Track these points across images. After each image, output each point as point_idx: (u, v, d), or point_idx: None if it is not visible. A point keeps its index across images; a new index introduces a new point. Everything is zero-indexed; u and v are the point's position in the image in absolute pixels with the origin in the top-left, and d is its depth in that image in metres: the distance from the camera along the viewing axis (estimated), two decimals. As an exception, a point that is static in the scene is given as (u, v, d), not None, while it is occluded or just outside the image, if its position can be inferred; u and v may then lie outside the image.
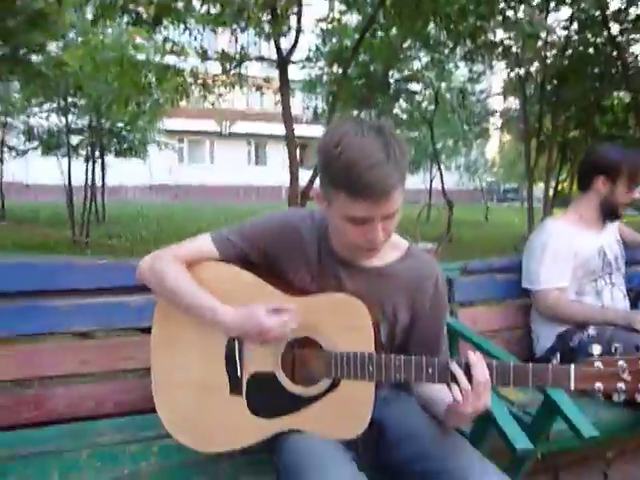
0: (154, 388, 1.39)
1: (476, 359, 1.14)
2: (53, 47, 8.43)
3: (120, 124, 12.56)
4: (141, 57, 7.57)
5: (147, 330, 1.44)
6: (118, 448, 1.49)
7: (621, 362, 1.12)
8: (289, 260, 1.33)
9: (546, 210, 9.84)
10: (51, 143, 12.54)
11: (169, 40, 6.95)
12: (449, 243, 9.45)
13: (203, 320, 1.27)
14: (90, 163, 12.03)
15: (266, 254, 1.34)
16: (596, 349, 1.15)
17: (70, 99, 10.52)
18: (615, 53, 8.33)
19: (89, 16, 7.54)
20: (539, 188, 13.75)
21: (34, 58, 7.55)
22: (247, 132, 26.00)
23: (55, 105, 11.11)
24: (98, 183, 13.25)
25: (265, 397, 1.30)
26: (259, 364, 1.29)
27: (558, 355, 2.13)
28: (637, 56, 9.87)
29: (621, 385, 1.12)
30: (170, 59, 7.51)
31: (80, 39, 8.31)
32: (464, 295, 2.25)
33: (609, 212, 2.17)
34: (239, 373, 1.30)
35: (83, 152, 12.36)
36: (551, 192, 10.41)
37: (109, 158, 14.18)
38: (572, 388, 1.14)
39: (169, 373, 1.38)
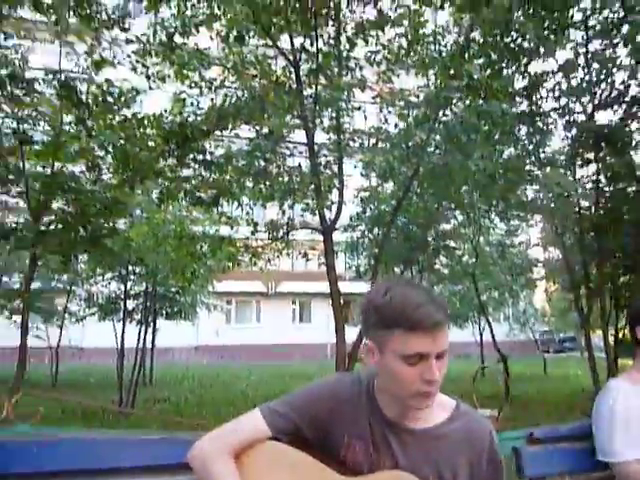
0: None
1: None
2: (120, 224, 9.41)
3: (173, 289, 13.26)
4: (198, 229, 8.32)
5: None
6: None
7: None
8: (341, 431, 1.30)
9: (609, 360, 9.23)
10: (109, 309, 13.24)
11: (224, 214, 7.66)
12: (507, 403, 8.83)
13: None
14: (143, 326, 12.47)
15: (317, 425, 1.31)
16: None
17: (130, 267, 11.34)
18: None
19: (154, 195, 8.53)
20: (598, 336, 13.07)
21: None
22: (292, 291, 26.72)
23: (116, 274, 11.97)
24: (148, 345, 13.55)
25: None
26: None
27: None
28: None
29: None
30: (224, 230, 8.21)
31: (145, 215, 9.30)
32: (533, 467, 2.04)
33: None
34: None
35: (137, 316, 12.90)
36: (611, 340, 9.85)
37: (160, 321, 14.71)
38: None
39: None
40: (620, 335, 10.77)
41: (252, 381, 14.36)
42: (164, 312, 14.13)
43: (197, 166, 6.20)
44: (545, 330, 27.94)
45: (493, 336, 12.19)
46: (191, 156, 5.88)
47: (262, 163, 6.11)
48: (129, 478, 1.58)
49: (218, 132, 5.85)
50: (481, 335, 17.45)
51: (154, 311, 13.20)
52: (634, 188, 8.76)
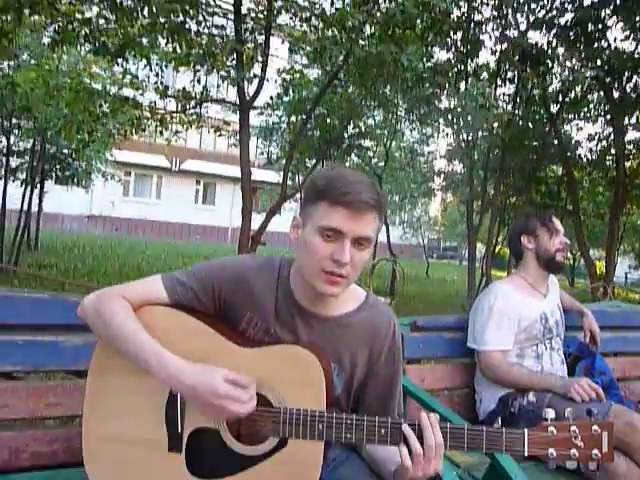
0: (84, 440, 1.26)
1: (429, 422, 1.12)
2: (4, 66, 8.12)
3: (66, 150, 12.11)
4: (97, 86, 7.42)
5: (80, 374, 1.31)
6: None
7: (574, 427, 1.11)
8: (243, 307, 1.28)
9: (485, 270, 10.24)
10: (-14, 164, 11.88)
11: (129, 72, 6.85)
12: (394, 297, 9.57)
13: (147, 370, 1.17)
14: (28, 188, 11.43)
15: (219, 299, 1.28)
16: (550, 413, 1.14)
17: (14, 120, 10.06)
18: (552, 130, 9.08)
19: (45, 40, 7.34)
20: (477, 248, 14.32)
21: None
22: (197, 170, 25.77)
23: (-3, 124, 10.57)
24: (34, 209, 12.57)
25: (206, 456, 1.20)
26: (202, 420, 1.20)
27: (499, 419, 2.15)
28: (569, 134, 10.82)
29: (574, 451, 1.11)
30: (128, 92, 7.40)
31: (33, 62, 8.07)
32: (413, 352, 2.25)
33: (548, 263, 2.28)
34: (180, 429, 1.21)
35: (22, 176, 11.77)
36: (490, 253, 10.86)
37: (48, 184, 13.56)
38: (526, 454, 1.12)
39: (102, 424, 1.26)
40: (496, 249, 11.90)
41: (147, 256, 14.07)
42: (54, 175, 12.99)
43: (102, 6, 5.30)
44: (433, 238, 30.21)
45: (388, 237, 12.84)
46: (95, -8, 5.00)
47: (180, 17, 5.38)
48: (8, 335, 1.51)
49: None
50: (377, 235, 18.37)
51: (42, 172, 12.06)
52: (541, 116, 9.23)
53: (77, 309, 1.28)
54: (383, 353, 1.31)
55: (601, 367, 2.38)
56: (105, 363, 1.26)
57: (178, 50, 5.97)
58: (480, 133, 8.79)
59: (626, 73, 8.03)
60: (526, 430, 1.12)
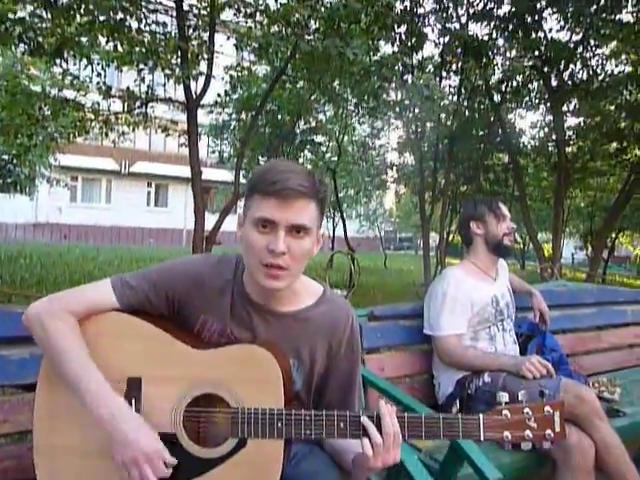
0: (35, 454, 1.21)
1: (386, 411, 1.13)
2: None
3: (5, 156, 11.55)
4: (36, 88, 7.10)
5: (28, 388, 1.26)
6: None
7: (527, 410, 1.14)
8: (197, 309, 1.26)
9: (440, 258, 10.49)
10: None
11: (69, 73, 6.59)
12: (353, 289, 9.66)
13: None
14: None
15: (172, 301, 1.26)
16: (504, 397, 1.17)
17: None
18: (497, 119, 9.39)
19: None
20: (432, 237, 14.65)
21: None
22: (148, 172, 25.08)
23: None
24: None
25: (165, 462, 1.18)
26: (158, 425, 1.17)
27: (457, 402, 2.20)
28: (513, 122, 11.21)
29: (528, 433, 1.14)
30: (69, 93, 7.12)
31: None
32: (371, 341, 2.28)
33: (496, 247, 2.36)
34: None
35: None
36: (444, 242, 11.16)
37: (-11, 193, 12.94)
38: (482, 439, 1.14)
39: (54, 437, 1.21)
40: (450, 237, 12.21)
41: (100, 262, 13.60)
42: (-5, 183, 12.39)
43: (36, 4, 5.04)
44: (389, 230, 30.65)
45: (345, 231, 12.95)
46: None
47: (120, 15, 5.20)
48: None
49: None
50: (334, 230, 18.48)
51: (-20, 180, 11.48)
52: (485, 106, 9.52)
53: (24, 313, 1.23)
54: (342, 346, 1.32)
55: (551, 344, 2.49)
56: (53, 373, 1.21)
57: (119, 49, 5.79)
58: (428, 124, 8.98)
59: (562, 62, 8.37)
60: (481, 415, 1.14)
